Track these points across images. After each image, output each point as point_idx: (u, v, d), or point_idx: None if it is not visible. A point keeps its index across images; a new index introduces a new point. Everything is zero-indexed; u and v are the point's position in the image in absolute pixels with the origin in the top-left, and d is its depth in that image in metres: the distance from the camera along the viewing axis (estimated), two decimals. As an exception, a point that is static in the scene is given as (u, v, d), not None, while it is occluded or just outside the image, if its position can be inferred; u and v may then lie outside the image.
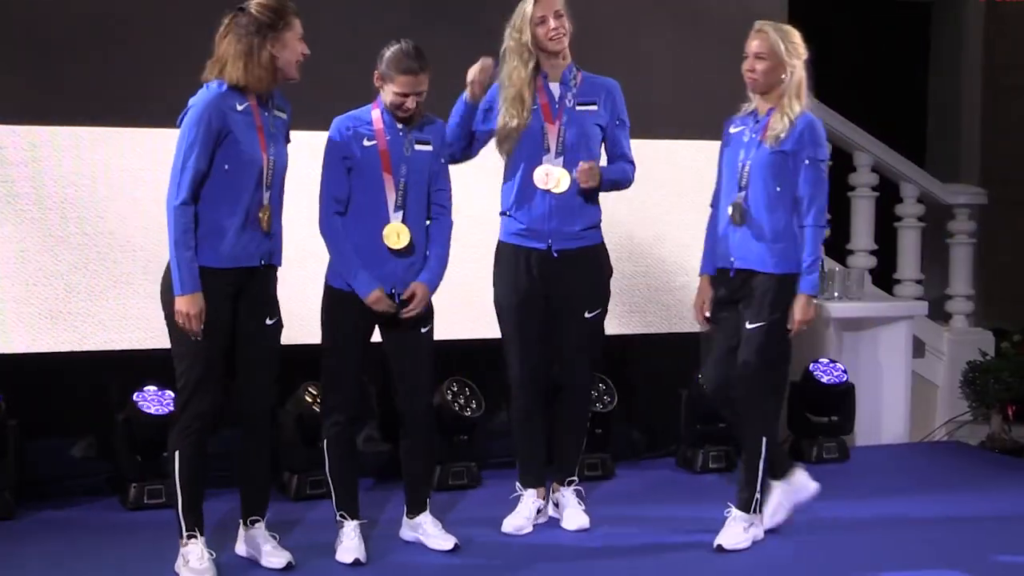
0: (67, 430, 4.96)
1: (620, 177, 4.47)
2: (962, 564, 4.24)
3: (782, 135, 4.24)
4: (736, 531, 4.35)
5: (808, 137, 4.27)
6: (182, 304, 3.76)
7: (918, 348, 6.52)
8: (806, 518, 4.62)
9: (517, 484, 4.55)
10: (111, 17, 4.78)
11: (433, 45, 4.26)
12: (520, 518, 4.47)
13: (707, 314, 4.42)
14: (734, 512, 4.39)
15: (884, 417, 6.22)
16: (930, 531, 4.63)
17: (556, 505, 4.58)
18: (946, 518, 4.79)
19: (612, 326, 5.00)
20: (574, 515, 4.50)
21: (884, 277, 6.74)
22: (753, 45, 4.28)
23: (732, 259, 4.33)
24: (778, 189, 4.27)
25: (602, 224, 4.50)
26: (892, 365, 6.25)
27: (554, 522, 4.57)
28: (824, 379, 5.78)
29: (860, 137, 6.65)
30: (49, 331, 4.75)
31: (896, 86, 8.50)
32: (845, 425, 5.85)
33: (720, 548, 4.32)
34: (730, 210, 4.30)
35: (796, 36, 4.29)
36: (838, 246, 6.70)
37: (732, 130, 4.40)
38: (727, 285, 4.36)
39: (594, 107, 4.38)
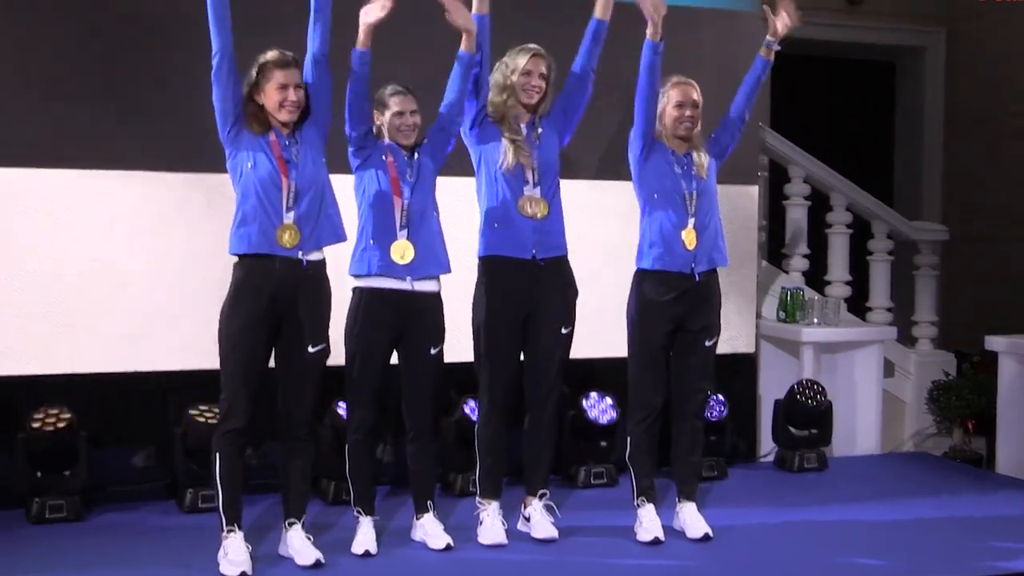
0: (130, 441, 4.85)
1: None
2: (921, 555, 4.28)
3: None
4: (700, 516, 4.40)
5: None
6: None
7: (888, 369, 6.48)
8: (791, 519, 4.70)
9: (478, 500, 4.32)
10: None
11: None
12: (496, 529, 4.25)
13: None
14: (689, 504, 4.40)
15: (858, 430, 6.18)
16: (897, 529, 4.61)
17: (527, 519, 4.37)
18: (913, 519, 4.77)
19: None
20: (544, 527, 4.30)
21: (858, 305, 6.72)
22: (694, 96, 4.34)
23: (693, 266, 4.32)
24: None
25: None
26: (865, 384, 6.20)
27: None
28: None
29: (836, 180, 6.64)
30: (116, 354, 4.74)
31: (867, 134, 8.52)
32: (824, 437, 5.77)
33: (707, 536, 4.31)
34: (692, 235, 4.30)
35: None
36: (817, 277, 6.70)
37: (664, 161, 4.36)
38: (688, 289, 4.31)
39: (552, 132, 4.32)
